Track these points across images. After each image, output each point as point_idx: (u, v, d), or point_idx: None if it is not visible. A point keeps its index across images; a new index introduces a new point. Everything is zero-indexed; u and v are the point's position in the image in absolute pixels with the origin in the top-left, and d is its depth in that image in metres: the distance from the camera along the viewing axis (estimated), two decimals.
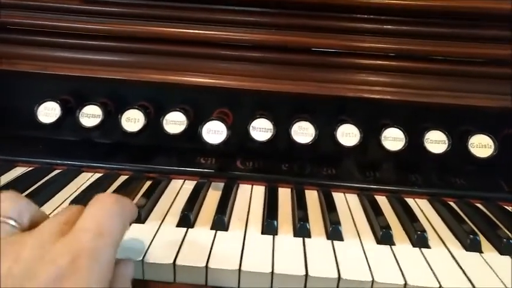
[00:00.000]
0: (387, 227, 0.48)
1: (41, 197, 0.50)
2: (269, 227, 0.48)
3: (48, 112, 0.59)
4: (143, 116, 0.58)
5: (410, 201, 0.58)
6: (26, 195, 0.50)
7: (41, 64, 0.60)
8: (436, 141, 0.57)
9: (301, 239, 0.47)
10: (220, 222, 0.48)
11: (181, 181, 0.60)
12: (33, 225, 0.32)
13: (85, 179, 0.58)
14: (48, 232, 0.30)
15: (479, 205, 0.57)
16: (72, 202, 0.49)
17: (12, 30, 0.61)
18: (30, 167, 0.60)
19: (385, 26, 0.58)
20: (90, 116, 0.58)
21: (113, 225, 0.31)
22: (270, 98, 0.62)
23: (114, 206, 0.33)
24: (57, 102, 0.59)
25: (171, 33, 0.59)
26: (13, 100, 0.65)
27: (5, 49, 0.61)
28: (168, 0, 0.59)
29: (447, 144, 0.57)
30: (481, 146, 0.57)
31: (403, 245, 0.47)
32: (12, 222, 0.31)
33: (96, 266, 0.28)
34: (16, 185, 0.53)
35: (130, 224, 0.36)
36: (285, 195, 0.58)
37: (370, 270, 0.41)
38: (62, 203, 0.51)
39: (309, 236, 0.47)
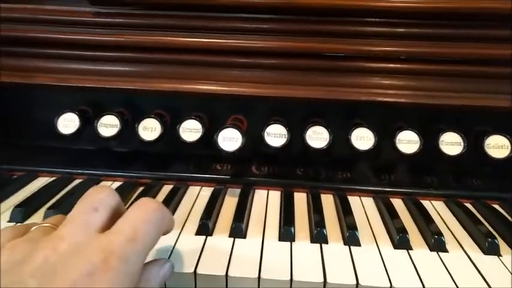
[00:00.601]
0: (404, 231, 0.49)
1: (63, 208, 0.52)
2: (286, 233, 0.48)
3: (68, 123, 0.60)
4: (160, 124, 0.59)
5: (426, 203, 0.58)
6: (49, 207, 0.51)
7: (58, 77, 0.61)
8: (451, 143, 0.57)
9: (318, 245, 0.47)
10: (238, 230, 0.49)
11: (198, 188, 0.61)
12: None
13: None
14: (90, 222, 0.32)
15: (496, 206, 0.57)
16: None
17: (29, 44, 0.62)
18: (51, 177, 0.62)
19: (395, 29, 0.58)
20: (108, 125, 0.60)
21: (147, 232, 0.33)
22: (283, 104, 0.63)
23: (154, 213, 0.34)
24: (76, 114, 0.60)
25: (183, 42, 0.60)
26: (33, 111, 0.67)
27: (23, 63, 0.63)
28: (179, 10, 0.60)
29: (462, 146, 0.57)
30: (498, 146, 0.57)
31: (420, 249, 0.47)
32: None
33: (124, 268, 0.30)
34: (40, 196, 0.55)
35: (164, 234, 0.37)
36: (300, 199, 0.58)
37: (388, 277, 0.42)
38: None
39: (326, 242, 0.48)
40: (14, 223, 0.50)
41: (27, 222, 0.50)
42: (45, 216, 0.50)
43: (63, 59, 0.62)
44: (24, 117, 0.68)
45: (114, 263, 0.29)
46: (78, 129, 0.60)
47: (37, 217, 0.51)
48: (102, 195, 0.34)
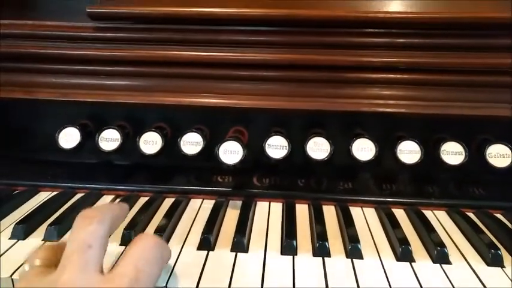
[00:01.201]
0: (406, 243, 0.48)
1: (66, 223, 0.52)
2: (288, 247, 0.48)
3: (69, 138, 0.60)
4: (161, 138, 0.59)
5: (428, 213, 0.58)
6: (51, 223, 0.51)
7: (59, 91, 0.62)
8: (452, 153, 0.57)
9: (320, 258, 0.47)
10: (240, 244, 0.49)
11: (199, 200, 0.61)
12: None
13: (106, 202, 0.60)
14: (89, 262, 0.33)
15: (499, 215, 0.57)
16: None
17: (30, 60, 0.63)
18: (53, 191, 0.62)
19: (395, 40, 0.58)
20: (109, 140, 0.60)
21: (150, 272, 0.34)
22: (284, 115, 0.63)
23: (153, 251, 0.36)
24: (76, 128, 0.60)
25: (183, 56, 0.60)
26: (34, 126, 0.67)
27: (24, 78, 0.63)
28: (179, 24, 0.60)
29: (464, 155, 0.57)
30: (499, 155, 0.56)
31: (423, 261, 0.47)
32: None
33: None
34: (41, 211, 0.55)
35: None
36: (302, 211, 0.58)
37: None
38: None
39: (329, 255, 0.48)
40: (16, 240, 0.50)
41: (30, 239, 0.50)
42: (47, 234, 0.50)
43: (64, 74, 0.62)
44: (25, 131, 0.68)
45: None
46: (79, 144, 0.60)
47: (39, 233, 0.51)
48: (93, 228, 0.35)
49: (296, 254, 0.48)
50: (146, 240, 0.36)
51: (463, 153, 0.57)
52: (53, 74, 0.63)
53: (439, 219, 0.57)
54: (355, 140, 0.58)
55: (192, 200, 0.61)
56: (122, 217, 0.41)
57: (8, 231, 0.51)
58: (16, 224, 0.51)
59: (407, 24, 0.57)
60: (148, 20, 0.60)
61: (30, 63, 0.63)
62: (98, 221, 0.35)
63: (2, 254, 0.46)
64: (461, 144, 0.57)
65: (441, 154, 0.57)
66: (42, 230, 0.51)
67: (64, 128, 0.60)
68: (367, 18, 0.58)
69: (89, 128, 0.63)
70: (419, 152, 0.57)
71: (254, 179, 0.63)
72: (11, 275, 0.43)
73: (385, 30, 0.59)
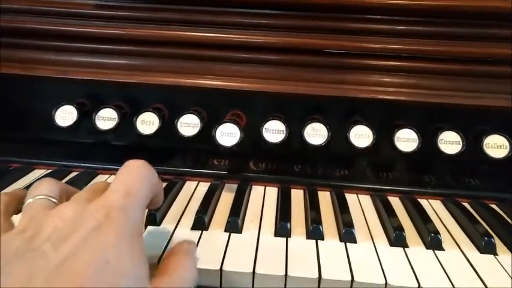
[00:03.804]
0: (400, 229, 0.48)
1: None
2: (282, 229, 0.48)
3: (65, 115, 0.60)
4: (158, 118, 0.59)
5: (423, 202, 0.57)
6: None
7: (58, 69, 0.61)
8: (450, 142, 0.57)
9: (314, 241, 0.47)
10: (234, 225, 0.48)
11: (195, 182, 0.61)
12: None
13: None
14: (83, 198, 0.36)
15: (493, 206, 0.57)
16: None
17: (29, 36, 0.62)
18: (48, 169, 0.62)
19: (397, 27, 0.58)
20: (106, 119, 0.59)
21: (139, 186, 0.35)
22: (282, 100, 0.63)
23: (140, 169, 0.37)
24: (73, 106, 0.60)
25: (183, 36, 0.60)
26: (30, 104, 0.67)
27: (22, 54, 0.63)
28: (180, 4, 0.60)
29: (461, 145, 0.57)
30: (497, 146, 0.56)
31: (416, 247, 0.47)
32: (53, 200, 0.36)
33: (126, 219, 0.32)
34: None
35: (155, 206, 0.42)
36: (297, 196, 0.58)
37: (384, 273, 0.42)
38: None
39: (322, 238, 0.48)
40: None
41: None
42: None
43: (64, 51, 0.62)
44: (22, 109, 0.67)
45: (115, 215, 0.32)
46: (75, 122, 0.60)
47: None
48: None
49: (290, 236, 0.48)
50: (133, 162, 0.37)
51: (460, 142, 0.57)
52: (52, 51, 0.62)
53: (435, 208, 0.57)
54: (352, 126, 0.58)
55: (187, 181, 0.60)
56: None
57: None
58: None
59: (410, 12, 0.57)
60: None
61: (29, 39, 0.62)
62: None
63: None
64: (459, 134, 0.57)
65: (438, 143, 0.57)
66: None
67: (61, 105, 0.60)
68: (370, 4, 0.57)
69: (86, 106, 0.63)
70: (417, 140, 0.57)
71: (250, 163, 0.63)
72: None
73: (387, 17, 0.58)
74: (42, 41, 0.62)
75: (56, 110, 0.60)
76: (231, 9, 0.60)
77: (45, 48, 0.63)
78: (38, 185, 0.38)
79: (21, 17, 0.61)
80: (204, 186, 0.59)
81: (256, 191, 0.59)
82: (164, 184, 0.58)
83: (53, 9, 0.61)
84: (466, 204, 0.57)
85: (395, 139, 0.58)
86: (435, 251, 0.46)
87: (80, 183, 0.58)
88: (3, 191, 0.40)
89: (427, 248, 0.47)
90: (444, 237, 0.48)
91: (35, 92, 0.67)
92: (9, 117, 0.67)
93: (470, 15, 0.56)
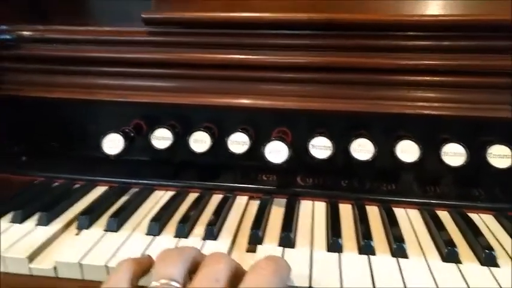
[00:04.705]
0: (452, 244, 0.49)
1: (123, 216, 0.56)
2: (334, 244, 0.50)
3: (112, 144, 0.62)
4: (209, 137, 0.62)
5: (474, 216, 0.57)
6: (111, 215, 0.55)
7: (116, 93, 0.66)
8: (499, 156, 0.57)
9: (366, 256, 0.49)
10: (287, 240, 0.51)
11: (245, 197, 0.63)
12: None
13: (158, 197, 0.64)
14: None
15: None
16: (152, 220, 0.54)
17: (89, 63, 0.67)
18: (109, 186, 0.66)
19: (439, 43, 0.58)
20: (161, 138, 0.63)
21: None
22: (327, 116, 0.64)
23: (273, 278, 0.37)
24: (120, 134, 0.62)
25: (231, 59, 0.63)
26: (91, 125, 0.72)
27: (83, 80, 0.68)
28: (227, 28, 0.63)
29: None
30: None
31: (470, 263, 0.47)
32: (176, 284, 0.36)
33: None
34: (101, 204, 0.60)
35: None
36: (345, 211, 0.59)
37: None
38: (141, 220, 0.57)
39: (374, 254, 0.49)
40: (79, 229, 0.54)
41: (92, 228, 0.54)
42: (108, 225, 0.54)
43: (120, 76, 0.66)
44: (83, 129, 0.73)
45: None
46: (123, 150, 0.62)
47: (101, 223, 0.55)
48: (221, 266, 0.38)
49: (342, 252, 0.49)
50: (263, 268, 0.38)
51: (511, 156, 0.56)
52: (109, 76, 0.67)
53: (486, 222, 0.57)
54: (398, 141, 0.59)
55: (237, 196, 0.63)
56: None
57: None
58: (80, 214, 0.55)
59: (451, 27, 0.57)
60: (198, 24, 0.63)
61: (90, 67, 0.67)
62: (226, 260, 0.39)
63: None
64: (510, 147, 0.56)
65: (488, 157, 0.57)
66: (103, 220, 0.56)
67: (108, 134, 0.63)
68: (411, 21, 0.58)
69: (140, 127, 0.67)
70: (465, 154, 0.57)
71: (298, 179, 0.65)
72: (79, 260, 0.47)
73: (428, 33, 0.59)
74: (101, 68, 0.67)
75: (103, 138, 0.63)
76: (274, 32, 0.62)
77: (104, 74, 0.67)
78: (165, 264, 0.38)
79: (83, 46, 0.66)
80: (254, 201, 0.61)
81: (305, 205, 0.61)
82: (218, 198, 0.62)
83: (110, 38, 0.66)
84: None
85: (442, 153, 0.58)
86: (490, 268, 0.46)
87: (140, 199, 0.62)
88: (131, 257, 0.41)
89: (481, 265, 0.47)
90: (498, 253, 0.48)
91: (95, 114, 0.72)
92: (72, 137, 0.73)
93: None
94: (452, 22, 0.57)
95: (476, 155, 0.57)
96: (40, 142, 0.74)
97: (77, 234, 0.53)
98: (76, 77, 0.68)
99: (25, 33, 0.67)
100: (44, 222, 0.55)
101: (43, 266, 0.48)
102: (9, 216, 0.56)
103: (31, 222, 0.55)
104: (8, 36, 0.67)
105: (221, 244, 0.51)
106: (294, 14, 0.60)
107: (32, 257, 0.48)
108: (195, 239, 0.52)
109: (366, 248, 0.49)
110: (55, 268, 0.47)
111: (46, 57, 0.67)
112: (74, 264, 0.47)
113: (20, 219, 0.55)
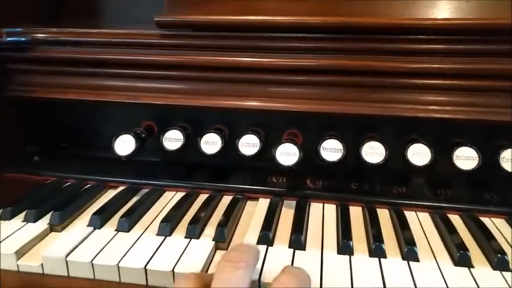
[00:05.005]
0: (464, 248, 0.49)
1: (134, 217, 0.56)
2: (345, 247, 0.50)
3: (124, 144, 0.63)
4: (220, 139, 0.63)
5: (486, 220, 0.57)
6: (122, 215, 0.56)
7: (128, 94, 0.67)
8: None
9: (376, 259, 0.48)
10: (297, 242, 0.51)
11: (256, 199, 0.64)
12: None
13: (168, 198, 0.64)
14: None
15: None
16: (163, 221, 0.54)
17: (102, 65, 0.68)
18: (120, 187, 0.67)
19: (452, 46, 0.58)
20: (173, 139, 0.64)
21: None
22: (338, 119, 0.64)
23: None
24: (131, 135, 0.63)
25: (242, 62, 0.63)
26: (103, 126, 0.73)
27: (96, 82, 0.68)
28: (240, 31, 0.63)
29: None
30: None
31: (482, 267, 0.47)
32: None
33: None
34: (112, 204, 0.60)
35: None
36: (356, 213, 0.59)
37: None
38: (152, 221, 0.57)
39: (385, 256, 0.49)
40: (93, 228, 0.54)
41: (104, 228, 0.55)
42: (119, 225, 0.54)
43: (132, 78, 0.67)
44: (94, 131, 0.74)
45: None
46: (134, 150, 0.62)
47: (113, 222, 0.56)
48: (240, 273, 0.37)
49: (352, 254, 0.49)
50: (301, 275, 0.38)
51: None
52: (122, 78, 0.68)
53: (498, 226, 0.56)
54: (410, 144, 0.58)
55: (248, 198, 0.64)
56: (258, 259, 0.43)
57: (86, 221, 0.56)
58: (93, 214, 0.56)
59: (465, 31, 0.57)
60: (211, 27, 0.64)
61: (102, 68, 0.68)
62: (244, 266, 0.38)
63: (83, 240, 0.52)
64: None
65: (500, 161, 0.57)
66: (115, 219, 0.56)
67: (119, 135, 0.63)
68: (424, 25, 0.58)
69: (151, 129, 0.68)
70: (477, 158, 0.57)
71: (308, 181, 0.65)
72: (92, 260, 0.47)
73: (440, 36, 0.59)
74: (114, 69, 0.68)
75: (115, 139, 0.63)
76: (287, 35, 0.62)
77: (116, 76, 0.68)
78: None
79: (96, 48, 0.67)
80: (264, 203, 0.62)
81: (315, 208, 0.61)
82: (228, 199, 0.62)
83: (123, 40, 0.67)
84: None
85: (454, 157, 0.57)
86: (502, 272, 0.46)
87: (150, 199, 0.63)
88: (193, 272, 0.42)
89: (493, 269, 0.47)
90: (511, 257, 0.48)
91: (106, 115, 0.73)
92: (84, 138, 0.74)
93: None
94: (465, 26, 0.57)
95: (489, 159, 0.57)
96: (52, 143, 0.75)
97: (89, 234, 0.54)
98: (89, 79, 0.69)
99: (39, 35, 0.68)
100: (57, 221, 0.55)
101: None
102: (22, 215, 0.57)
103: (44, 221, 0.56)
104: (22, 39, 0.68)
105: (231, 245, 0.51)
106: (308, 17, 0.61)
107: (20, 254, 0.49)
108: (206, 240, 0.52)
109: (377, 250, 0.49)
110: (67, 268, 0.48)
111: (59, 59, 0.68)
112: (86, 263, 0.47)
113: (34, 218, 0.56)
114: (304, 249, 0.50)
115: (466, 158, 0.57)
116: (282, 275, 0.39)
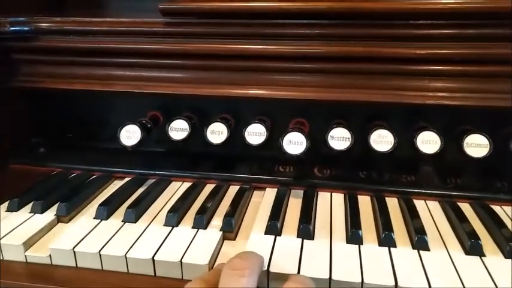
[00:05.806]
0: (475, 237, 0.48)
1: (140, 207, 0.56)
2: (354, 236, 0.49)
3: (130, 135, 0.63)
4: (226, 128, 0.62)
5: (496, 208, 0.56)
6: (129, 206, 0.56)
7: (133, 84, 0.66)
8: None
9: (386, 248, 0.48)
10: (306, 231, 0.50)
11: (263, 188, 0.63)
12: None
13: (175, 188, 0.64)
14: None
15: None
16: (170, 212, 0.54)
17: (105, 54, 0.67)
18: (126, 177, 0.67)
19: (462, 31, 0.57)
20: (179, 129, 0.63)
21: None
22: (346, 107, 0.63)
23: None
24: (137, 125, 0.62)
25: (247, 49, 0.62)
26: (109, 116, 0.73)
27: (101, 72, 0.68)
28: (245, 18, 0.62)
29: None
30: None
31: (494, 256, 0.46)
32: None
33: None
34: (119, 195, 0.60)
35: None
36: (364, 202, 0.59)
37: (463, 284, 0.42)
38: (159, 211, 0.57)
39: (395, 246, 0.48)
40: (99, 220, 0.54)
41: (111, 219, 0.55)
42: (126, 216, 0.54)
43: (138, 68, 0.66)
44: (100, 121, 0.73)
45: None
46: (140, 141, 0.62)
47: (119, 213, 0.56)
48: (245, 280, 0.37)
49: (362, 243, 0.49)
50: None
51: None
52: (127, 67, 0.67)
53: (509, 215, 0.55)
54: (419, 132, 0.57)
55: (255, 188, 0.63)
56: (262, 266, 0.42)
57: (92, 212, 0.56)
58: (99, 205, 0.56)
59: (476, 14, 0.56)
60: (216, 15, 0.63)
61: (107, 58, 0.67)
62: (249, 274, 0.37)
63: (90, 231, 0.52)
64: None
65: (511, 148, 0.56)
66: (122, 210, 0.56)
67: (125, 125, 0.63)
68: (434, 9, 0.56)
69: (157, 118, 0.67)
70: (488, 146, 0.56)
71: (315, 170, 0.64)
72: (99, 251, 0.47)
73: (451, 21, 0.57)
74: (118, 59, 0.67)
75: (120, 129, 0.63)
76: (293, 21, 0.61)
77: (121, 65, 0.67)
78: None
79: (99, 37, 0.66)
80: (271, 192, 0.61)
81: (323, 197, 0.61)
82: (235, 189, 0.62)
83: (128, 29, 0.66)
84: None
85: (465, 145, 0.57)
86: None
87: (157, 190, 0.62)
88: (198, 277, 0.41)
89: (506, 258, 0.46)
90: None
91: (112, 105, 0.72)
92: (89, 129, 0.73)
93: None
94: (477, 9, 0.55)
95: (499, 146, 0.56)
96: (58, 134, 0.75)
97: (96, 225, 0.54)
98: (93, 69, 0.68)
99: (43, 25, 0.67)
100: (64, 212, 0.55)
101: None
102: (29, 206, 0.57)
103: (51, 212, 0.56)
104: (26, 28, 0.67)
105: (239, 235, 0.51)
106: (314, 3, 0.59)
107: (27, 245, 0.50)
108: (213, 230, 0.52)
109: (386, 240, 0.49)
110: (75, 258, 0.48)
111: (63, 48, 0.67)
112: (94, 254, 0.47)
113: (41, 209, 0.56)
114: (313, 239, 0.50)
115: (476, 145, 0.56)
116: (288, 283, 0.39)
